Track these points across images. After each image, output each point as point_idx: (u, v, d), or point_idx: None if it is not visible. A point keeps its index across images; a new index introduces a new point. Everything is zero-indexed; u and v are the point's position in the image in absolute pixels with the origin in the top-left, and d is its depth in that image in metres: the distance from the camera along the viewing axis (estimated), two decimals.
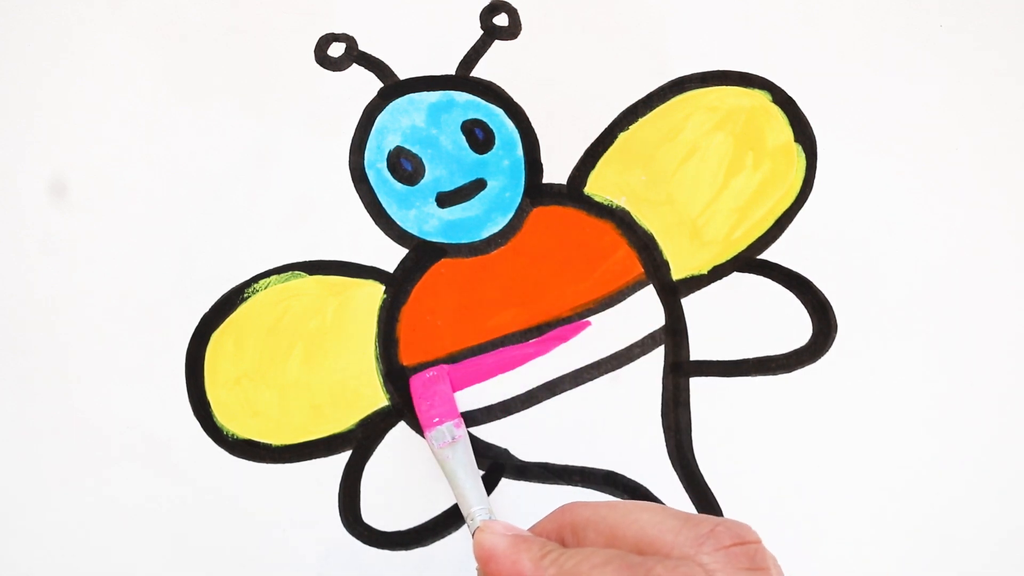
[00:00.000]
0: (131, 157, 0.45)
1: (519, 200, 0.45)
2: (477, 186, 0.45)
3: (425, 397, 0.42)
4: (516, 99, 0.45)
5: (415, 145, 0.45)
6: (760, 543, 0.28)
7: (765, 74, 0.46)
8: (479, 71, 0.45)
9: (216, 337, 0.44)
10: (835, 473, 0.44)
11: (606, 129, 0.45)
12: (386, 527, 0.43)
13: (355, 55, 0.45)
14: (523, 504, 0.43)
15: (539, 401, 0.44)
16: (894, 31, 0.46)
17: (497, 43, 0.46)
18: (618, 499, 0.31)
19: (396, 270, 0.45)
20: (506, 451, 0.44)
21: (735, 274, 0.45)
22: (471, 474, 0.40)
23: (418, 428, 0.44)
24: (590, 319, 0.44)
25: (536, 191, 0.45)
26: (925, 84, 0.46)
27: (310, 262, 0.45)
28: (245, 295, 0.44)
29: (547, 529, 0.32)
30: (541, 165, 0.45)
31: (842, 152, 0.45)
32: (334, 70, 0.45)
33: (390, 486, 0.44)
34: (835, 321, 0.44)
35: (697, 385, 0.44)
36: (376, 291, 0.45)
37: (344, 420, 0.44)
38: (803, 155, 0.45)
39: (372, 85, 0.45)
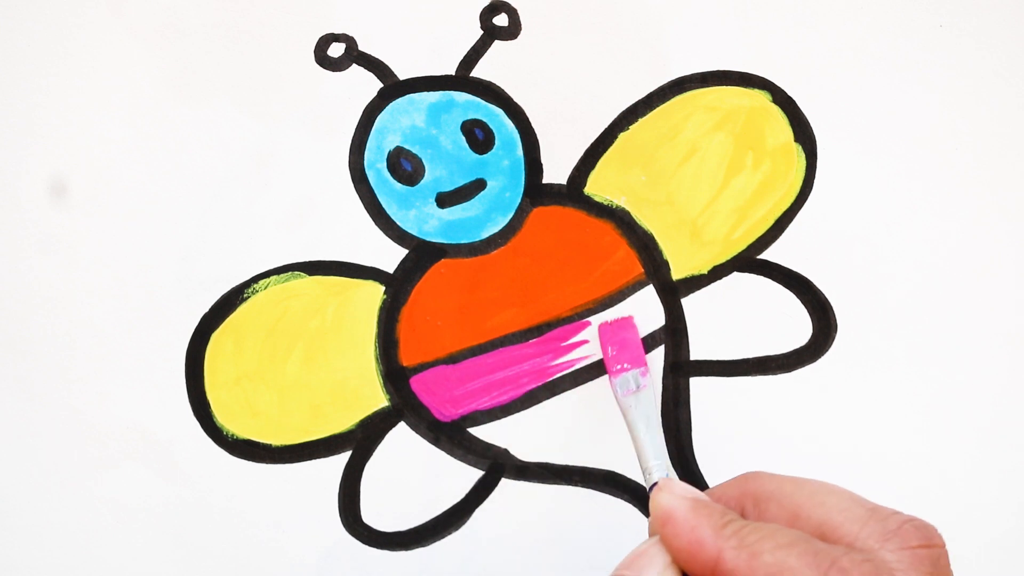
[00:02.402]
0: (131, 157, 0.45)
1: (519, 200, 0.45)
2: (477, 186, 0.45)
3: (612, 343, 0.41)
4: (516, 99, 0.45)
5: (415, 145, 0.45)
6: (944, 547, 0.28)
7: (765, 74, 0.46)
8: (479, 71, 0.45)
9: (216, 337, 0.44)
10: (835, 472, 0.44)
11: (606, 129, 0.45)
12: (386, 527, 0.43)
13: (355, 55, 0.45)
14: (523, 504, 0.43)
15: (539, 401, 0.44)
16: (894, 31, 0.46)
17: (497, 43, 0.46)
18: (802, 477, 0.30)
19: (396, 270, 0.45)
20: (506, 451, 0.44)
21: (735, 274, 0.45)
22: (652, 426, 0.38)
23: (418, 429, 0.44)
24: (590, 319, 0.44)
25: (536, 191, 0.45)
26: (925, 84, 0.46)
27: (310, 262, 0.45)
28: (245, 295, 0.44)
29: (727, 495, 0.31)
30: (541, 165, 0.45)
31: (842, 152, 0.45)
32: (334, 70, 0.45)
33: (390, 486, 0.44)
34: (835, 321, 0.44)
35: (697, 385, 0.44)
36: (376, 291, 0.45)
37: (344, 420, 0.44)
38: (803, 155, 0.45)
39: (372, 85, 0.45)
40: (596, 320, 0.44)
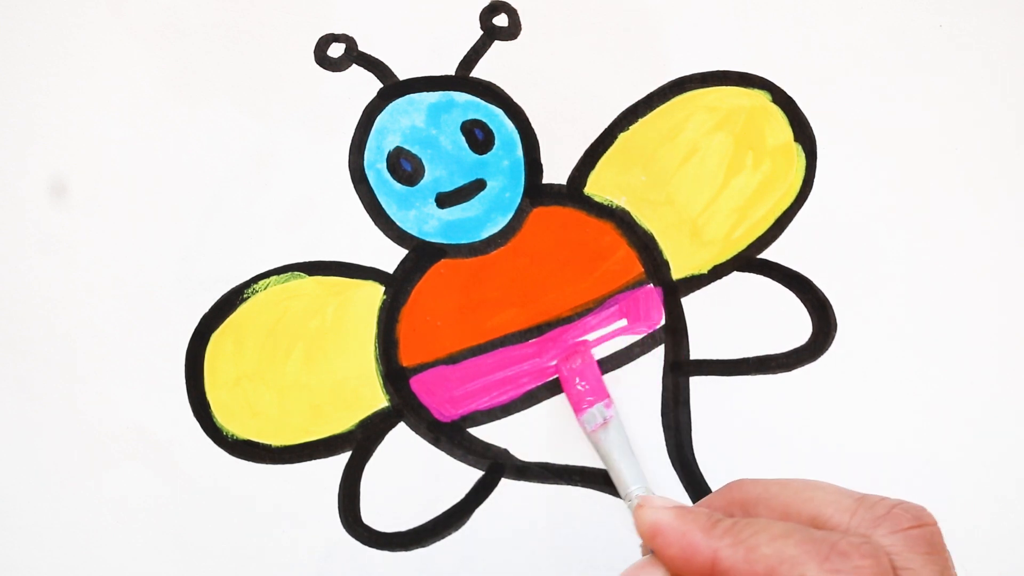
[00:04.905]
0: (131, 158, 0.45)
1: (519, 200, 0.45)
2: (477, 186, 0.45)
3: (573, 381, 0.41)
4: (516, 99, 0.45)
5: (415, 145, 0.45)
6: (936, 525, 0.27)
7: (765, 74, 0.46)
8: (479, 71, 0.45)
9: (216, 338, 0.44)
10: (835, 472, 0.44)
11: (606, 129, 0.45)
12: (386, 528, 0.43)
13: (355, 55, 0.45)
14: (523, 504, 0.43)
15: (539, 401, 0.44)
16: (894, 31, 0.46)
17: (497, 43, 0.46)
18: (786, 478, 0.30)
19: (396, 271, 0.45)
20: (506, 451, 0.44)
21: (735, 273, 0.45)
22: (625, 454, 0.38)
23: (418, 429, 0.44)
24: (590, 318, 0.44)
25: (536, 191, 0.45)
26: (925, 84, 0.46)
27: (310, 263, 0.45)
28: (245, 295, 0.44)
29: (714, 505, 0.30)
30: (541, 165, 0.45)
31: (842, 152, 0.45)
32: (334, 70, 0.45)
33: (390, 487, 0.44)
34: (835, 320, 0.44)
35: (697, 384, 0.44)
36: (376, 292, 0.45)
37: (344, 421, 0.44)
38: (803, 155, 0.45)
39: (372, 85, 0.45)
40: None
